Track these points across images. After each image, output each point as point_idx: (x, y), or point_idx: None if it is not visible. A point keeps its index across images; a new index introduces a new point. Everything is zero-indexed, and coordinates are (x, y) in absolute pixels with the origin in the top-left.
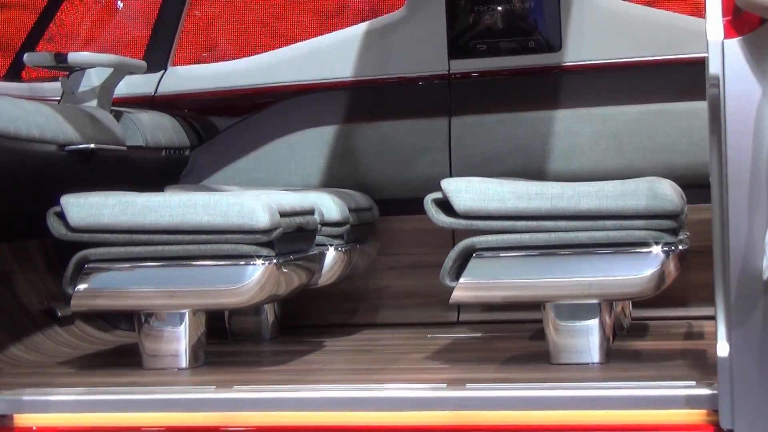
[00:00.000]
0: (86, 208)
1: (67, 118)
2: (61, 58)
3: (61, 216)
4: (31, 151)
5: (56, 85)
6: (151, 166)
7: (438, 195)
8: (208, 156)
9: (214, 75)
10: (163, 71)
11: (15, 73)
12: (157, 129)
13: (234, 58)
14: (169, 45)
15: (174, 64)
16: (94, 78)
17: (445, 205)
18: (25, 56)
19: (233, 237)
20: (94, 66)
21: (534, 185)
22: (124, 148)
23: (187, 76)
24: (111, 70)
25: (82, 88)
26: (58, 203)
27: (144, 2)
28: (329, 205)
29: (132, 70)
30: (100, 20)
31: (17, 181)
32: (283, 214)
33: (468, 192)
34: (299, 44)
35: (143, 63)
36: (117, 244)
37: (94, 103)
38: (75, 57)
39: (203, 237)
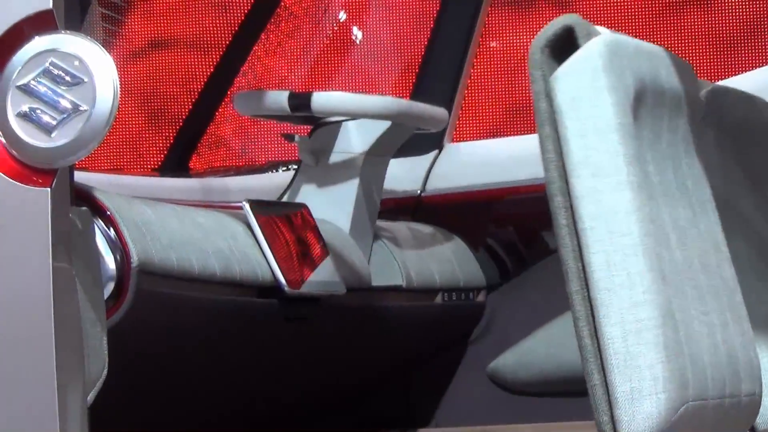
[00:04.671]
0: None
1: None
2: (300, 100)
3: None
4: (207, 300)
5: (249, 182)
6: (417, 322)
7: None
8: (520, 303)
9: (530, 155)
10: (436, 151)
11: (178, 161)
12: (427, 257)
13: None
14: (446, 102)
15: (455, 139)
16: (354, 137)
17: None
18: (236, 97)
19: None
20: (356, 116)
21: None
22: (371, 290)
23: (480, 160)
24: (386, 124)
25: (334, 156)
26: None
27: (399, 31)
28: None
29: (423, 126)
30: (322, 63)
31: (186, 352)
32: None
33: None
34: None
35: (443, 112)
36: None
37: (354, 184)
38: (325, 99)
39: None
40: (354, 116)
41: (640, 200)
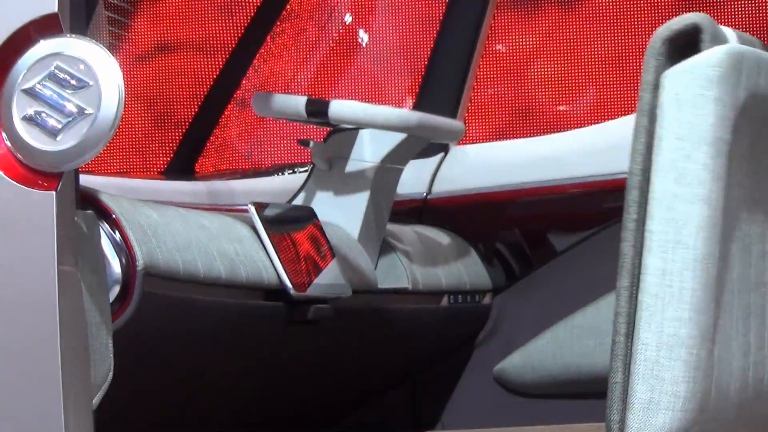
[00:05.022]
0: None
1: None
2: (317, 107)
3: None
4: (213, 303)
5: (255, 185)
6: (423, 324)
7: None
8: (526, 306)
9: (536, 157)
10: (442, 153)
11: (184, 164)
12: (433, 259)
13: (584, 124)
14: (451, 107)
15: (461, 142)
16: (368, 146)
17: None
18: (255, 98)
19: None
20: (374, 127)
21: None
22: (377, 292)
23: (486, 163)
24: (401, 135)
25: (348, 164)
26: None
27: (404, 34)
28: None
29: (440, 138)
30: (327, 66)
31: (191, 355)
32: None
33: None
34: None
35: (459, 125)
36: None
37: (366, 193)
38: (342, 108)
39: None
40: (371, 127)
41: (714, 219)
